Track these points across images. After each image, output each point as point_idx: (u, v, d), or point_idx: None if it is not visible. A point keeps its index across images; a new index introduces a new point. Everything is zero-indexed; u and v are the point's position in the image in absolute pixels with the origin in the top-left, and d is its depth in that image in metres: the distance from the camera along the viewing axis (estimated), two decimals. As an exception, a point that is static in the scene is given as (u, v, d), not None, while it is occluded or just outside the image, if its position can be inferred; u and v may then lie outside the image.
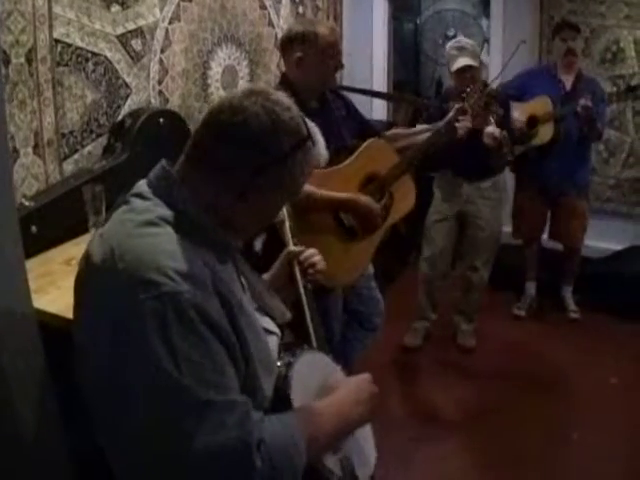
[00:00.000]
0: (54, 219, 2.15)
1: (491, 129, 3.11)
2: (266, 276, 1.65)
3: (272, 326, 1.38)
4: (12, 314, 1.16)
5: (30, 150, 2.37)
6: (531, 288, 4.38)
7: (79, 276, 1.14)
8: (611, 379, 3.52)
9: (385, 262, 3.04)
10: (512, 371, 3.65)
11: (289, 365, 1.27)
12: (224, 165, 1.15)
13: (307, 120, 1.24)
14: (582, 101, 3.62)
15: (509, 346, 3.93)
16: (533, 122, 3.81)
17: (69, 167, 2.54)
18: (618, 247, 4.55)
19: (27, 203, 2.20)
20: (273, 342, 1.33)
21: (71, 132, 2.54)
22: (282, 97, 1.21)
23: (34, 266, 1.23)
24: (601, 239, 4.49)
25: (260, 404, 1.14)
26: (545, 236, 4.29)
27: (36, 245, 1.95)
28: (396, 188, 2.72)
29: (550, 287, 4.36)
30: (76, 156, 2.56)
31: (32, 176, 2.38)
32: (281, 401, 1.20)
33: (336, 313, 2.74)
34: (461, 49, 3.38)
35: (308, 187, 2.42)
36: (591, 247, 4.32)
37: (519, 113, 3.85)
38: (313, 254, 1.66)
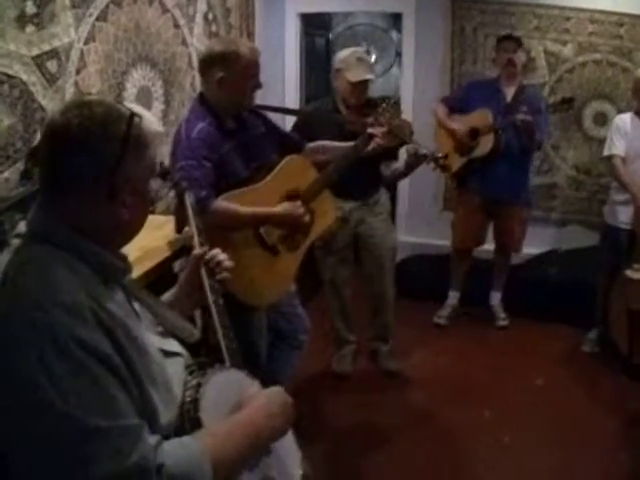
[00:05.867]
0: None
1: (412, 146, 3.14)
2: (173, 289, 1.66)
3: (176, 347, 1.39)
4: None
5: (-55, 177, 2.31)
6: (454, 298, 4.44)
7: None
8: (537, 380, 3.64)
9: (301, 282, 3.01)
10: (438, 379, 3.69)
11: (198, 386, 1.27)
12: (81, 177, 1.15)
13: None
14: (520, 115, 3.74)
15: (434, 355, 3.98)
16: (474, 134, 3.96)
17: (-15, 194, 2.47)
18: (537, 251, 4.73)
19: (-57, 232, 2.14)
20: (178, 364, 1.34)
21: (-13, 158, 2.48)
22: (90, 96, 1.29)
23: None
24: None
25: (161, 428, 1.15)
26: (486, 246, 4.37)
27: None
28: (316, 205, 2.74)
29: (473, 295, 4.42)
30: (-8, 182, 2.50)
31: (-53, 204, 2.32)
32: (192, 424, 1.20)
33: (262, 332, 2.73)
34: (361, 60, 3.35)
35: (229, 205, 2.44)
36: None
37: (460, 125, 3.99)
38: (218, 253, 1.65)
